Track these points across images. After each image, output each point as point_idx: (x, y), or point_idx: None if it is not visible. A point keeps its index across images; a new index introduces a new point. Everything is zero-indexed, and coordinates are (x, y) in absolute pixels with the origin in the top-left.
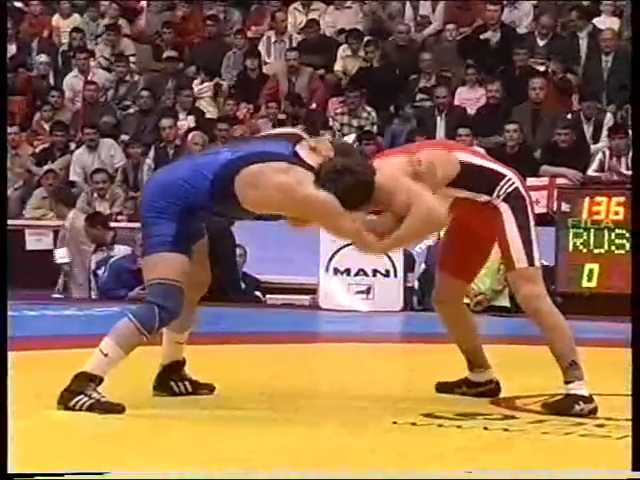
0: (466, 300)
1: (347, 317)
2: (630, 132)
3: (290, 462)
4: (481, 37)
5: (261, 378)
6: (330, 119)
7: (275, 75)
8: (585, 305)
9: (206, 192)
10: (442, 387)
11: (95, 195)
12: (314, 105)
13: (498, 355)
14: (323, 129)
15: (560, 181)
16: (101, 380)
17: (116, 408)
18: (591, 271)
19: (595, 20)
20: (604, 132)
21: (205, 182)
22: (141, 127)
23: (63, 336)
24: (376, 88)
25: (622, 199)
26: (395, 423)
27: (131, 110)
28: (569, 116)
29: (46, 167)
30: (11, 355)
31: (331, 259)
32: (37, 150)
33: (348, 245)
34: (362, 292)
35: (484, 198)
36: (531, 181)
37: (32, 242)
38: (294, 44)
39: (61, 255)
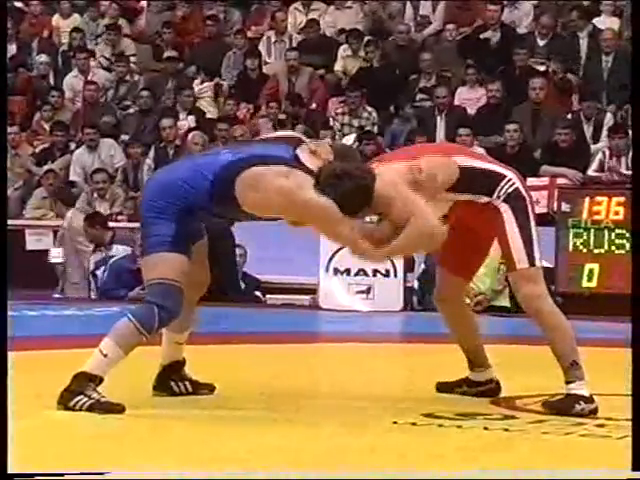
0: (466, 300)
1: (347, 317)
2: (630, 132)
3: (290, 462)
4: (481, 37)
5: (261, 378)
6: (330, 119)
7: (275, 75)
8: (585, 305)
9: (206, 193)
10: (442, 387)
11: (95, 195)
12: (314, 105)
13: (498, 355)
14: (323, 129)
15: (560, 181)
16: (101, 380)
17: (116, 408)
18: (591, 271)
19: (595, 20)
20: (604, 132)
21: (205, 183)
22: (141, 127)
23: (63, 336)
24: (376, 88)
25: (622, 199)
26: (395, 423)
27: (131, 110)
28: (569, 116)
29: (46, 167)
30: (11, 355)
31: (331, 259)
32: (37, 150)
33: None
34: (362, 292)
35: (484, 199)
36: (531, 181)
37: (32, 242)
38: (294, 44)
39: (54, 255)
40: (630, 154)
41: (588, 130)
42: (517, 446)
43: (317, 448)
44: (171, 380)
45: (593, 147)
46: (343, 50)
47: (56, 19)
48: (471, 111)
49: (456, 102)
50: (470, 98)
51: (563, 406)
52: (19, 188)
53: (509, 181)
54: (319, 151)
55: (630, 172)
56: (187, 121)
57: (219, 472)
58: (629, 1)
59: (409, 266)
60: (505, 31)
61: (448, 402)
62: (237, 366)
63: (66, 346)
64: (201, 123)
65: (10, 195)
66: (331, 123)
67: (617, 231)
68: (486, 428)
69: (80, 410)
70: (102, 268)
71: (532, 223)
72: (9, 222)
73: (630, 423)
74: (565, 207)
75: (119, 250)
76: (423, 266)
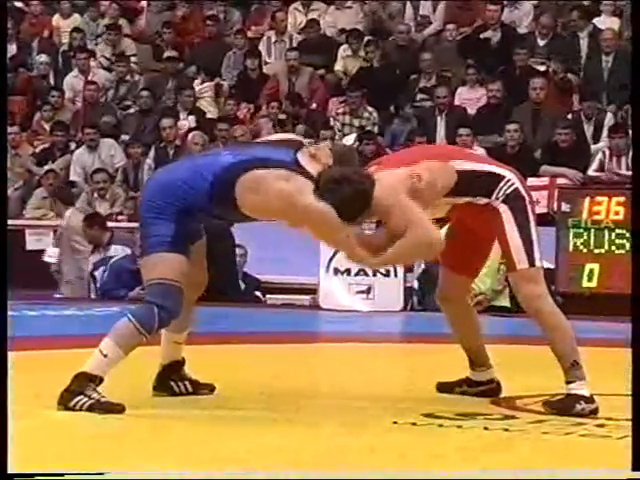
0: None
1: (347, 317)
2: (630, 132)
3: (290, 462)
4: (481, 37)
5: (261, 378)
6: (331, 119)
7: (275, 75)
8: (585, 305)
9: (205, 193)
10: (442, 387)
11: (95, 195)
12: (315, 105)
13: (499, 355)
14: (324, 129)
15: (560, 181)
16: (101, 380)
17: (116, 408)
18: (591, 271)
19: (595, 20)
20: (604, 132)
21: (205, 183)
22: (141, 127)
23: (63, 336)
24: (376, 88)
25: (622, 199)
26: (395, 423)
27: (131, 110)
28: (569, 116)
29: (46, 167)
30: (11, 355)
31: (331, 259)
32: (37, 150)
33: None
34: (362, 292)
35: (483, 201)
36: (531, 181)
37: (32, 242)
38: (294, 44)
39: (49, 255)
40: (630, 154)
41: (588, 130)
42: (517, 446)
43: (317, 448)
44: (171, 380)
45: (593, 147)
46: (343, 50)
47: (56, 19)
48: (471, 111)
49: (456, 102)
50: (470, 98)
51: (563, 406)
52: (19, 188)
53: (508, 182)
54: (319, 155)
55: (630, 172)
56: (187, 121)
57: (219, 472)
58: (629, 1)
59: (409, 266)
60: (505, 31)
61: (448, 402)
62: (237, 366)
63: (66, 346)
64: (201, 123)
65: (10, 195)
66: (331, 123)
67: (617, 231)
68: (486, 428)
69: (80, 410)
70: (101, 269)
71: (532, 223)
72: (9, 222)
73: (630, 423)
74: (565, 207)
75: (117, 250)
76: (423, 266)
